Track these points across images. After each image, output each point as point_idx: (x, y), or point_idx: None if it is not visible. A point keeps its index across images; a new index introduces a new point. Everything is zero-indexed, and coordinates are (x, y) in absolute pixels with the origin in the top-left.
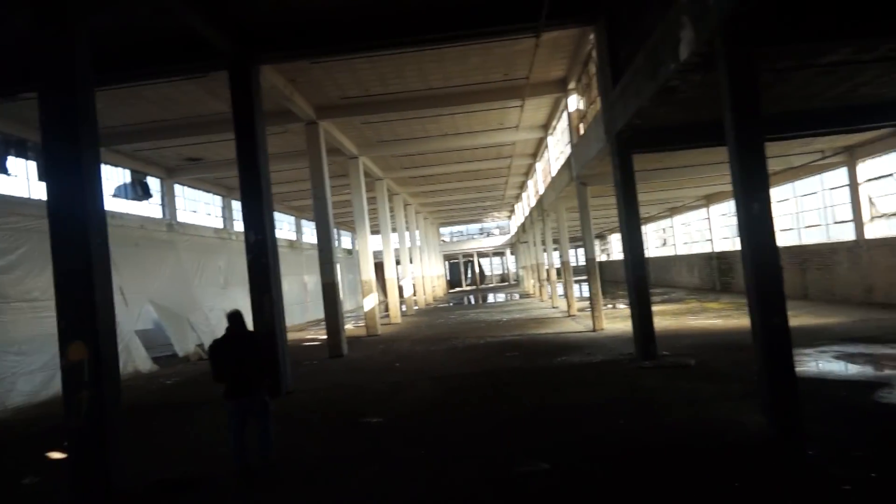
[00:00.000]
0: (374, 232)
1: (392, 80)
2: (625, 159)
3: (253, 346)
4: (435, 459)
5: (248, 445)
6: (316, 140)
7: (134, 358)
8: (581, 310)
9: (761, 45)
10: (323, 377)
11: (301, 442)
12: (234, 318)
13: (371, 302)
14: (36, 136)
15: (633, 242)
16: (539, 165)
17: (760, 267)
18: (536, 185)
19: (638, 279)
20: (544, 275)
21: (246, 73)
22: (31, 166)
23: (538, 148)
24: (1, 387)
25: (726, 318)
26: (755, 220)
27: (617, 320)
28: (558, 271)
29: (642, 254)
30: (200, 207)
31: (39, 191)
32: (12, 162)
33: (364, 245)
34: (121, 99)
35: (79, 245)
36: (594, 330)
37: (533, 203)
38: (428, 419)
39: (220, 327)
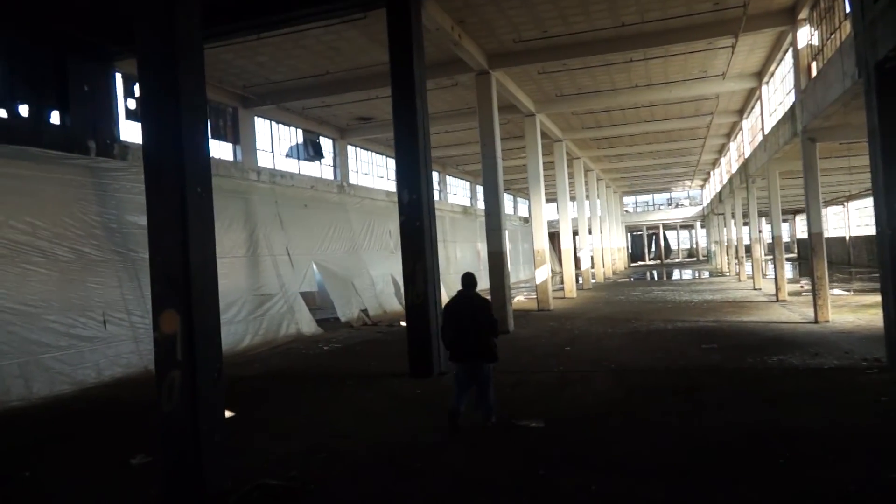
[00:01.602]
0: (551, 200)
1: (575, 16)
2: (888, 98)
3: (477, 311)
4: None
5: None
6: (487, 92)
7: (297, 320)
8: (792, 294)
9: None
10: None
11: (440, 445)
12: (465, 280)
13: (543, 274)
14: (210, 93)
15: (893, 209)
16: (746, 123)
17: None
18: (741, 148)
19: None
20: (743, 251)
21: (405, 6)
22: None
23: (746, 102)
24: None
25: None
26: None
27: (843, 310)
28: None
29: None
30: (372, 170)
31: (212, 149)
32: None
33: (538, 212)
34: (284, 51)
35: (171, 194)
36: (816, 321)
37: (734, 168)
38: (601, 430)
39: (386, 293)
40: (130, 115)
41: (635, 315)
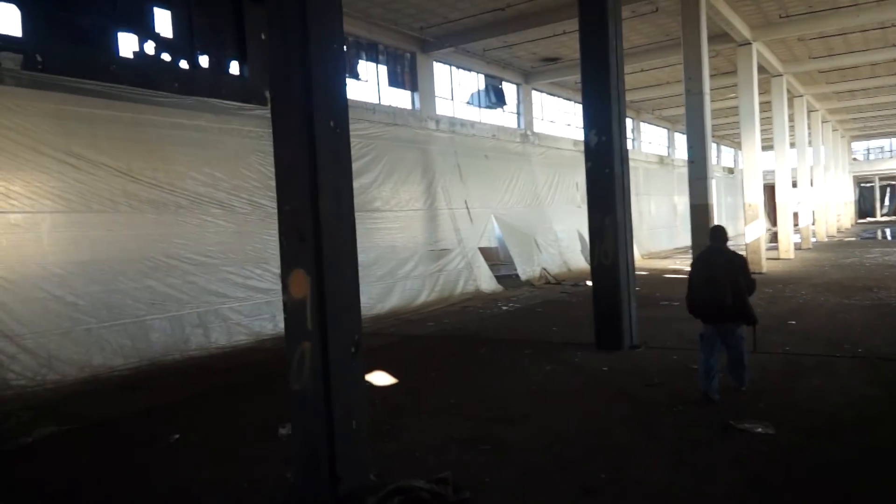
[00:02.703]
0: (766, 148)
1: None
2: None
3: (734, 267)
4: None
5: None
6: (695, 14)
7: (476, 276)
8: None
9: None
10: (681, 327)
11: (631, 448)
12: (714, 233)
13: (755, 231)
14: (387, 37)
15: None
16: None
17: None
18: None
19: None
20: None
21: None
22: (382, 71)
23: None
24: None
25: None
26: None
27: None
28: None
29: None
30: (559, 117)
31: (389, 97)
32: (363, 67)
33: (751, 160)
34: None
35: (298, 129)
36: None
37: None
38: (862, 451)
39: (571, 249)
40: None
41: (876, 282)
